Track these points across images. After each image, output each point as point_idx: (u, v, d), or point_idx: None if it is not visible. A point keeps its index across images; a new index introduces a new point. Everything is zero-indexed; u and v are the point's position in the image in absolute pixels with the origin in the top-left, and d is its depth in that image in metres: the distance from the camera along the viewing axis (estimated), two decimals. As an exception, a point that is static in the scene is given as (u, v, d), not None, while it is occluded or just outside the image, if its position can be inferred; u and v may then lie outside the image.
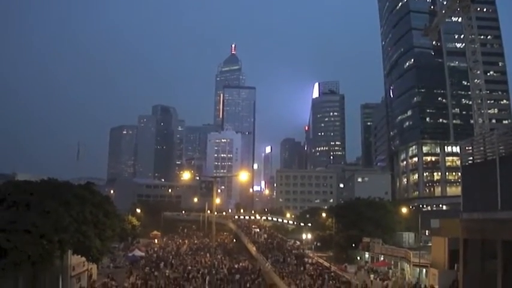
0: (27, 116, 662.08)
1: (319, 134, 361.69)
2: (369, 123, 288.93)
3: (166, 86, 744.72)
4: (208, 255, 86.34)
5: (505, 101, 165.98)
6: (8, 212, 40.32)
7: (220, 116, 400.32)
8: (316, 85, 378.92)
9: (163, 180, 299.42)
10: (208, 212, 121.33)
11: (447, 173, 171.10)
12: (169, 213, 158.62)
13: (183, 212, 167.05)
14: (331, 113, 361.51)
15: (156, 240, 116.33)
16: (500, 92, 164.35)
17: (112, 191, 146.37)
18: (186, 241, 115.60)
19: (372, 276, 64.05)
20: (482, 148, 46.62)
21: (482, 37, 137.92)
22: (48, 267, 43.29)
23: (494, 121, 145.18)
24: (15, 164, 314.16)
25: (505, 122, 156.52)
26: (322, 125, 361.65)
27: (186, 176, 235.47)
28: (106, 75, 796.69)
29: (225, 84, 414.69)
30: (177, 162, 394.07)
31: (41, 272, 43.80)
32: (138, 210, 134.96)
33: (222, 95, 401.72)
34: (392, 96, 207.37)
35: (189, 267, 69.87)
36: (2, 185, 47.98)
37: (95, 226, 48.61)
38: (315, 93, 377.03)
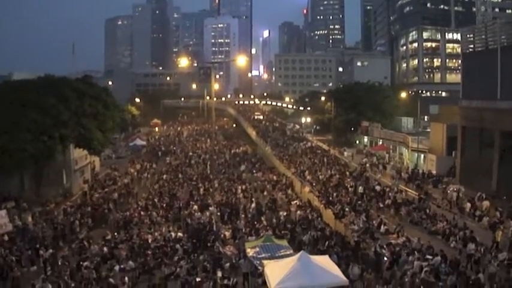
0: (19, 13, 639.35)
1: (318, 17, 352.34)
2: (368, 7, 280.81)
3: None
4: (208, 140, 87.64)
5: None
6: (8, 112, 40.34)
7: (216, 0, 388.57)
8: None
9: (161, 68, 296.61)
10: (208, 98, 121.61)
11: (447, 60, 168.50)
12: (169, 101, 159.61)
13: (182, 99, 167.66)
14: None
15: (156, 129, 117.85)
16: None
17: (110, 83, 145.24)
18: (189, 127, 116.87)
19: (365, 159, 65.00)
20: (483, 36, 46.28)
21: None
22: (51, 163, 44.15)
23: (497, 10, 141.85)
24: (11, 64, 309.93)
25: (508, 11, 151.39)
26: (321, 8, 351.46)
27: (184, 62, 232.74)
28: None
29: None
30: (174, 50, 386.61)
31: (45, 168, 44.91)
32: (138, 100, 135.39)
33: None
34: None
35: (190, 154, 71.05)
36: None
37: (94, 118, 48.92)
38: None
